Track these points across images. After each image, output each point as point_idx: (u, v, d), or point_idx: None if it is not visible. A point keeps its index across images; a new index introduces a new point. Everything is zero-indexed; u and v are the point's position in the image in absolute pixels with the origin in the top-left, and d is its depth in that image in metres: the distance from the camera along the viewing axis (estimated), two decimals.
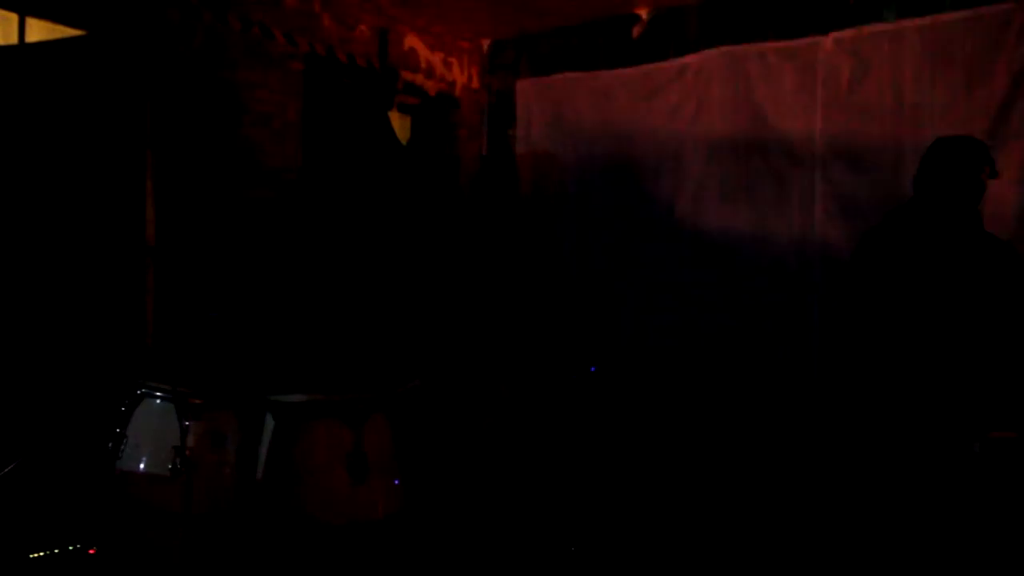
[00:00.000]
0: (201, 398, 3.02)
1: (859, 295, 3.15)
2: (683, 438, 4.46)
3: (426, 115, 6.48)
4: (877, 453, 3.05)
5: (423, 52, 6.21)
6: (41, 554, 3.23)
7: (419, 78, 6.17)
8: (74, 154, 4.23)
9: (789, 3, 5.37)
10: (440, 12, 6.07)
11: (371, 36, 5.77)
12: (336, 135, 5.52)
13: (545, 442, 3.90)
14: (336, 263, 5.33)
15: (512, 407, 3.77)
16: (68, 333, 4.10)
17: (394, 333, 5.15)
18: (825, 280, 5.09)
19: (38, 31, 4.39)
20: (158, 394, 3.04)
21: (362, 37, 5.70)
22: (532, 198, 6.56)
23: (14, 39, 4.31)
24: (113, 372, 3.40)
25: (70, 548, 3.23)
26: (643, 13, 5.97)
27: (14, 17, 4.31)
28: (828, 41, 5.23)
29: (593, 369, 4.46)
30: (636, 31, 6.03)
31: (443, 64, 6.39)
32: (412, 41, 6.11)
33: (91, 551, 3.22)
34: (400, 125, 6.25)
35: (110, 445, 3.02)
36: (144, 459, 2.99)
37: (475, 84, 6.68)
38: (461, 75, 6.55)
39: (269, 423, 3.06)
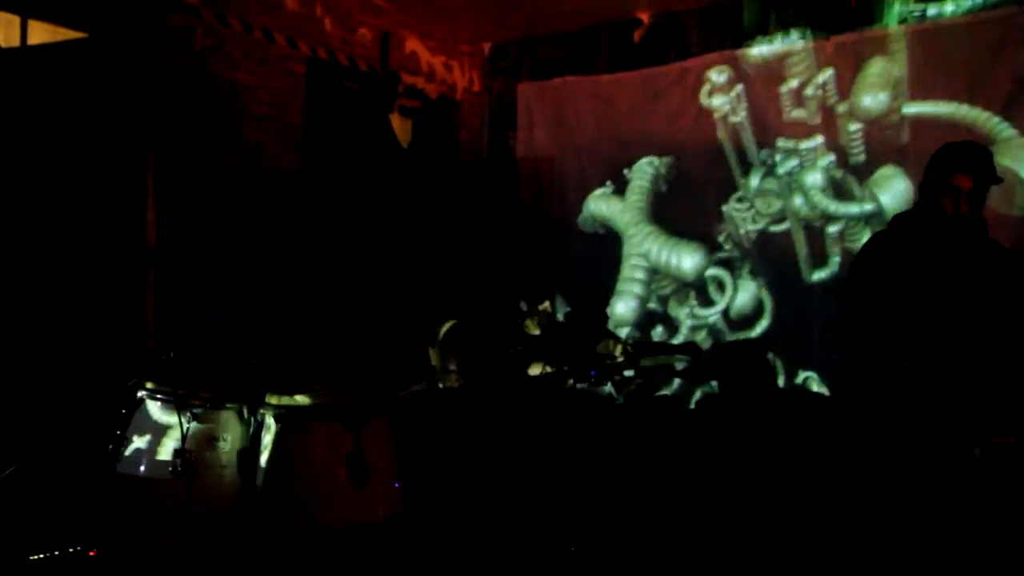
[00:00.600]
0: (201, 400, 3.02)
1: (860, 296, 3.16)
2: (684, 441, 4.47)
3: (427, 118, 6.49)
4: (878, 455, 3.06)
5: (424, 55, 6.21)
6: (42, 556, 3.23)
7: (420, 81, 6.18)
8: (75, 156, 4.24)
9: (790, 7, 5.38)
10: (442, 15, 6.08)
11: (372, 39, 5.77)
12: (337, 138, 5.52)
13: (547, 444, 3.90)
14: (337, 264, 5.34)
15: (515, 409, 3.77)
16: (69, 335, 4.11)
17: (395, 335, 5.16)
18: None
19: (40, 33, 4.40)
20: (159, 396, 3.04)
21: (363, 40, 5.71)
22: (532, 201, 6.57)
23: (16, 41, 4.32)
24: (113, 374, 3.40)
25: (71, 550, 3.23)
26: (644, 17, 5.98)
27: (16, 19, 4.32)
28: (830, 44, 5.24)
29: (593, 373, 4.45)
30: (637, 35, 6.03)
31: (444, 67, 6.40)
32: (413, 44, 6.11)
33: (91, 553, 3.22)
34: (401, 128, 6.25)
35: (110, 447, 3.02)
36: (144, 461, 2.99)
37: (476, 87, 6.68)
38: (462, 78, 6.56)
39: (270, 425, 3.06)
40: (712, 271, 5.72)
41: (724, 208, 5.67)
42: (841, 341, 3.31)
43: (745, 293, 5.60)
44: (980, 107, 4.76)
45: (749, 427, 4.28)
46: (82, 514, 3.29)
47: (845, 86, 5.19)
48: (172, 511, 2.89)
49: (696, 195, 5.81)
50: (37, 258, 4.09)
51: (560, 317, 5.72)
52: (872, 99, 5.09)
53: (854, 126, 5.16)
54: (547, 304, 4.99)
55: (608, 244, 6.18)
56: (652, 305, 5.97)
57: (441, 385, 3.72)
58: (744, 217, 5.58)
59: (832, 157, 5.25)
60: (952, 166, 3.02)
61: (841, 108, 5.21)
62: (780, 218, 5.48)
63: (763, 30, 5.48)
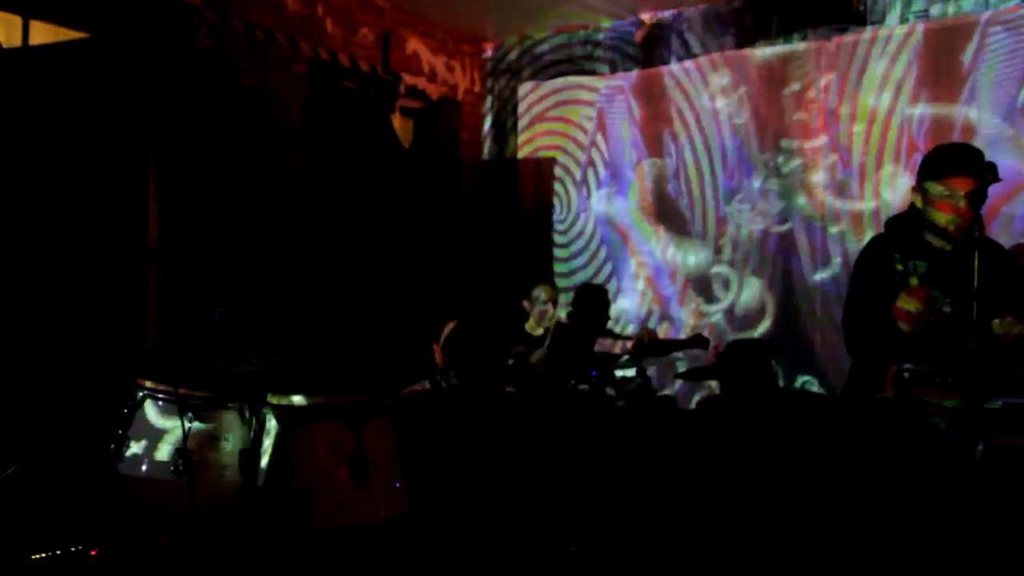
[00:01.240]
0: (203, 400, 3.02)
1: (861, 298, 3.16)
2: (684, 442, 4.46)
3: (428, 119, 6.49)
4: (879, 455, 3.05)
5: (426, 56, 6.21)
6: (43, 555, 3.23)
7: (421, 82, 6.18)
8: (77, 156, 4.24)
9: (792, 7, 5.37)
10: (443, 16, 6.08)
11: (374, 40, 5.78)
12: (339, 138, 5.52)
13: (548, 443, 3.90)
14: (338, 264, 5.34)
15: (518, 409, 3.76)
16: (70, 335, 4.11)
17: (397, 334, 5.16)
18: None
19: (42, 34, 4.40)
20: (160, 396, 3.04)
21: (365, 41, 5.71)
22: (533, 202, 6.58)
23: (18, 42, 4.32)
24: (115, 373, 3.40)
25: (72, 549, 3.24)
26: (646, 18, 5.98)
27: (18, 20, 4.32)
28: (832, 46, 5.24)
29: (595, 373, 4.45)
30: (638, 36, 6.03)
31: (446, 68, 6.40)
32: (415, 45, 6.12)
33: (93, 552, 3.22)
34: (402, 128, 6.25)
35: (112, 447, 3.02)
36: (146, 461, 2.99)
37: (477, 88, 6.69)
38: (463, 79, 6.56)
39: (271, 425, 3.06)
40: (717, 268, 5.74)
41: (727, 209, 5.68)
42: (848, 345, 3.32)
43: (750, 290, 5.62)
44: (982, 108, 4.76)
45: (750, 428, 4.27)
46: (83, 514, 3.29)
47: (847, 88, 5.20)
48: (173, 511, 2.89)
49: (698, 196, 5.82)
50: (39, 258, 4.09)
51: (563, 316, 5.73)
52: (875, 100, 5.10)
53: (857, 127, 5.17)
54: (550, 291, 4.96)
55: (611, 243, 6.19)
56: (656, 305, 5.98)
57: (443, 384, 3.72)
58: (747, 218, 5.60)
59: (835, 157, 5.26)
60: (949, 169, 3.01)
61: (844, 110, 5.22)
62: (782, 218, 5.49)
63: (765, 32, 5.48)
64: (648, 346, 4.62)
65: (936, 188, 3.03)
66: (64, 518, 3.36)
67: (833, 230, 5.28)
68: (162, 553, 2.95)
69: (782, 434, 4.18)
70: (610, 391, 4.47)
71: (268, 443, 3.05)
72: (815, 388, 5.31)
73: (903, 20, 4.99)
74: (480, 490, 3.49)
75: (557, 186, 6.46)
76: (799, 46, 5.36)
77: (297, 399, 3.06)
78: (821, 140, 5.31)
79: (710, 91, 5.73)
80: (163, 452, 2.98)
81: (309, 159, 5.28)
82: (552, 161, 6.49)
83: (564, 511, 3.82)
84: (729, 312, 5.70)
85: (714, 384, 5.59)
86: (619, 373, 4.53)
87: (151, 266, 4.49)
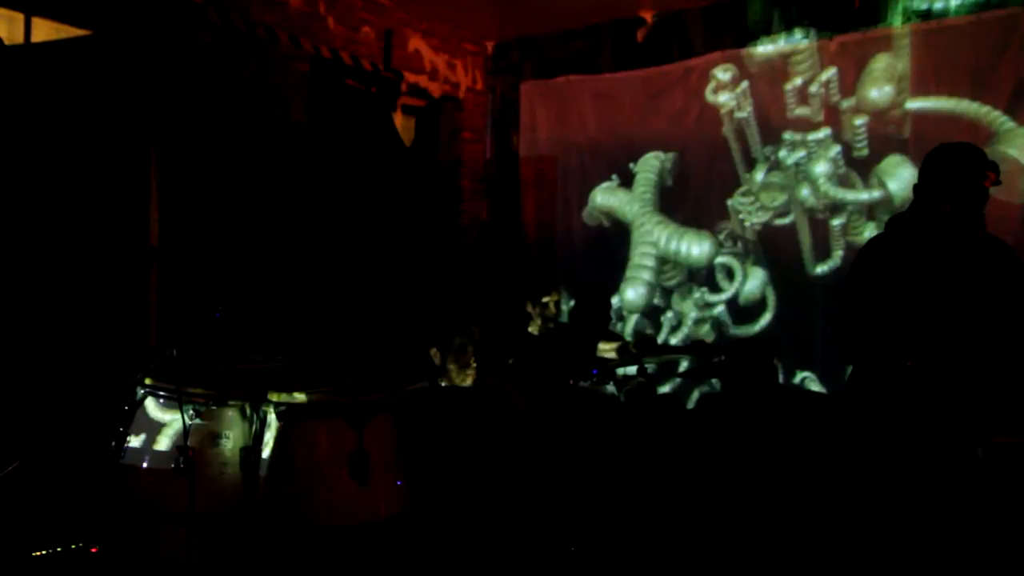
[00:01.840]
0: (204, 397, 3.02)
1: (861, 299, 3.15)
2: (685, 440, 4.47)
3: (430, 117, 6.49)
4: (879, 456, 3.05)
5: (427, 54, 6.21)
6: (44, 552, 3.23)
7: (423, 80, 6.17)
8: (79, 154, 4.24)
9: (794, 6, 5.38)
10: (445, 14, 6.08)
11: (375, 38, 5.77)
12: (340, 136, 5.52)
13: (549, 443, 3.90)
14: (340, 263, 5.34)
15: (518, 408, 3.77)
16: (72, 332, 4.11)
17: (398, 333, 5.16)
18: None
19: (44, 31, 4.40)
20: (161, 393, 3.05)
21: (366, 39, 5.71)
22: (535, 200, 6.58)
23: (20, 39, 4.32)
24: (116, 371, 3.40)
25: (73, 546, 3.24)
26: (648, 16, 5.98)
27: (20, 17, 4.32)
28: (834, 44, 5.25)
29: (595, 372, 4.45)
30: (640, 34, 6.03)
31: (447, 66, 6.39)
32: (416, 43, 6.11)
33: (94, 549, 3.23)
34: (404, 126, 6.25)
35: (113, 444, 3.02)
36: (147, 458, 2.99)
37: (479, 86, 6.68)
38: (465, 77, 6.56)
39: (272, 423, 3.06)
40: (721, 259, 5.75)
41: (729, 202, 5.69)
42: (847, 342, 3.31)
43: (754, 280, 5.63)
44: (983, 103, 4.78)
45: (751, 426, 4.27)
46: (85, 510, 3.30)
47: (849, 84, 5.21)
48: (174, 506, 2.89)
49: (701, 189, 5.83)
50: (40, 255, 4.10)
51: (564, 313, 5.73)
52: (877, 92, 5.12)
53: (859, 120, 5.19)
54: (555, 296, 4.99)
55: (614, 238, 6.20)
56: (658, 297, 5.99)
57: (443, 383, 3.72)
58: (748, 211, 5.61)
59: (839, 148, 5.27)
60: (951, 168, 3.01)
61: (845, 104, 5.23)
62: (784, 211, 5.51)
63: (767, 29, 5.49)
64: (635, 353, 4.63)
65: (938, 187, 3.03)
66: (65, 515, 3.37)
67: (835, 222, 5.30)
68: (163, 550, 2.96)
69: (781, 433, 4.19)
70: (611, 389, 4.48)
71: (269, 441, 3.06)
72: (814, 384, 5.32)
73: (904, 19, 5.00)
74: (480, 489, 3.49)
75: (559, 183, 6.46)
76: (801, 44, 5.37)
77: (298, 397, 3.06)
78: (823, 133, 5.33)
79: (712, 86, 5.74)
80: (163, 444, 2.99)
81: (311, 157, 5.28)
82: (554, 159, 6.49)
83: (564, 510, 3.83)
84: (731, 303, 5.71)
85: (715, 382, 5.60)
86: (620, 371, 4.54)
87: (152, 264, 4.50)
